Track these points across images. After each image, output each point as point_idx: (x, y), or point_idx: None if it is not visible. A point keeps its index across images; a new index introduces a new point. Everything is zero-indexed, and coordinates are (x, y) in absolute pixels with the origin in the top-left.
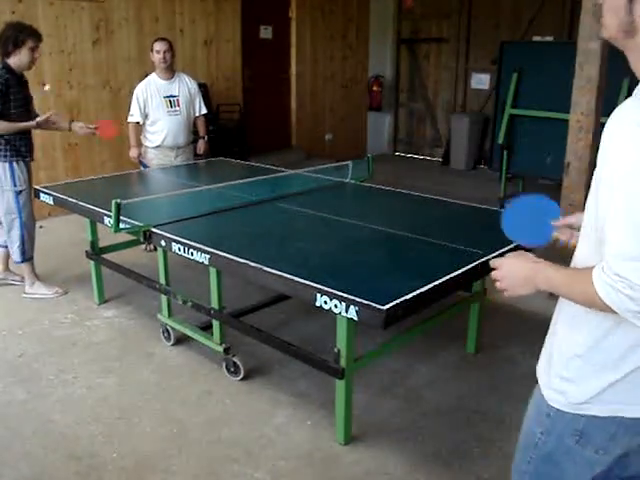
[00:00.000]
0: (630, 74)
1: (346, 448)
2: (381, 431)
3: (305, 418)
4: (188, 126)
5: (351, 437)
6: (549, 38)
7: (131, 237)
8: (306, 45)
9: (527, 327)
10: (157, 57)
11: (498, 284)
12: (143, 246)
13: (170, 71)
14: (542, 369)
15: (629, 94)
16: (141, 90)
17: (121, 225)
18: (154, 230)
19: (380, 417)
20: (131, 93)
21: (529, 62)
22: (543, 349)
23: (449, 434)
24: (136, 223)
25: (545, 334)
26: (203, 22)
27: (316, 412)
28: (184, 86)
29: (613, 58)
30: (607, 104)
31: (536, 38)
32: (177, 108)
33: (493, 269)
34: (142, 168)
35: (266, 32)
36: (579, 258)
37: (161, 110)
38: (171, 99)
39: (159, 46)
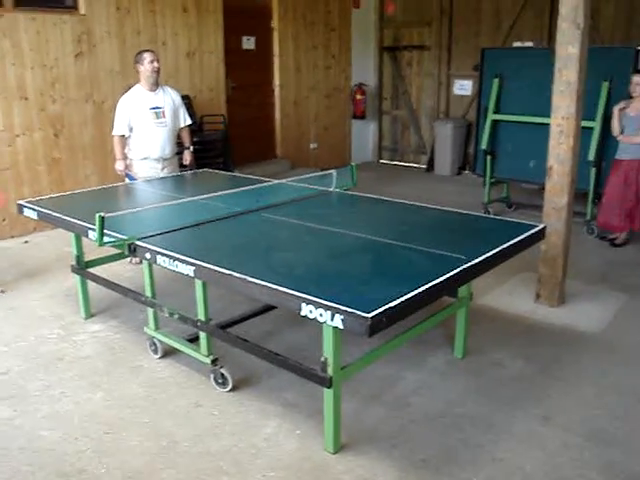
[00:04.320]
0: (610, 77)
1: (335, 457)
2: (370, 439)
3: (294, 428)
4: (174, 137)
5: (340, 446)
6: (529, 44)
7: (117, 250)
8: (289, 55)
9: (514, 331)
10: (149, 67)
11: None
12: (129, 259)
13: (157, 83)
14: None
15: (608, 97)
16: (126, 102)
17: (105, 239)
18: (139, 243)
19: (369, 425)
20: (115, 106)
21: (510, 68)
22: None
23: (438, 440)
24: (120, 236)
25: (531, 338)
26: (185, 34)
27: (305, 421)
28: (169, 97)
29: (592, 63)
30: (587, 108)
31: (516, 44)
32: (163, 119)
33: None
34: (128, 181)
35: (249, 43)
36: None
37: (147, 122)
38: (157, 111)
39: (152, 56)
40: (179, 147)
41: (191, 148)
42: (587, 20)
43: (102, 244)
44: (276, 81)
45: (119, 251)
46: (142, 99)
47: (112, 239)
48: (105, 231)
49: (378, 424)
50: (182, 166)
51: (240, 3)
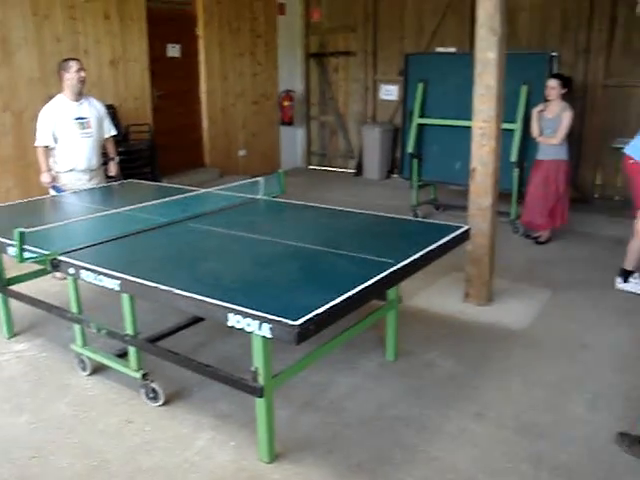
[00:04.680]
0: (528, 81)
1: (271, 466)
2: (305, 446)
3: (228, 439)
4: (99, 148)
5: (275, 455)
6: (452, 49)
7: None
8: (215, 62)
9: (443, 331)
10: (76, 76)
11: None
12: (52, 274)
13: (80, 93)
14: None
15: (528, 100)
16: (50, 112)
17: (26, 255)
18: (61, 258)
19: (303, 432)
20: (35, 116)
21: (433, 73)
22: None
23: (373, 443)
24: (42, 252)
25: (461, 337)
26: (108, 42)
27: (239, 432)
28: (93, 108)
29: (510, 67)
30: (508, 110)
31: (439, 49)
32: (89, 130)
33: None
34: (56, 193)
35: (174, 50)
36: None
37: (73, 133)
38: (82, 121)
39: (78, 65)
40: (104, 158)
41: (116, 159)
42: (504, 27)
43: (22, 260)
44: (202, 88)
45: (43, 267)
46: (66, 109)
47: (33, 255)
48: (26, 247)
49: (313, 430)
50: (108, 177)
51: (164, 11)
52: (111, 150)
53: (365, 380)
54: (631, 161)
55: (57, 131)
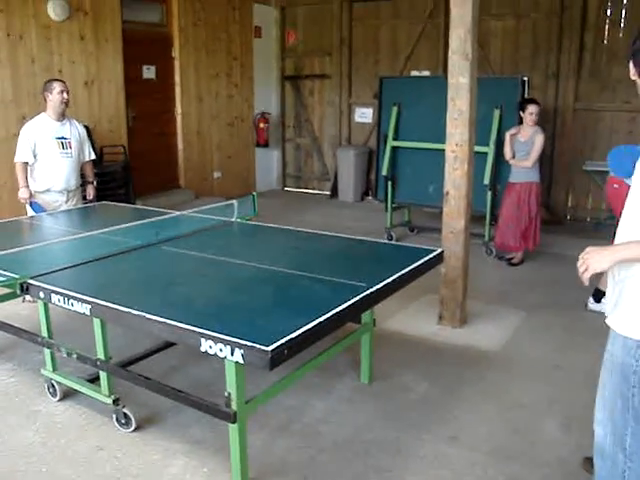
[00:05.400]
0: (500, 105)
1: None
2: (280, 471)
3: (201, 465)
4: (78, 170)
5: None
6: (426, 73)
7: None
8: (190, 84)
9: (418, 354)
10: (59, 98)
11: (583, 264)
12: (22, 298)
13: (63, 114)
14: (623, 314)
15: (500, 124)
16: (31, 129)
17: None
18: (31, 282)
19: (278, 457)
20: (9, 137)
21: (407, 96)
22: (617, 300)
23: (348, 467)
24: (11, 275)
25: (436, 359)
26: (83, 62)
27: (212, 458)
28: (75, 130)
29: (483, 91)
30: (481, 134)
31: (414, 73)
32: (69, 150)
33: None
34: (33, 212)
35: (149, 72)
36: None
37: (52, 151)
38: (63, 141)
39: (62, 86)
40: (82, 180)
41: (94, 183)
42: (475, 52)
43: None
44: (178, 110)
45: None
46: (47, 128)
47: (2, 278)
48: None
49: (287, 455)
50: (84, 200)
51: (140, 32)
52: (90, 173)
53: (340, 403)
54: (615, 185)
55: (37, 148)
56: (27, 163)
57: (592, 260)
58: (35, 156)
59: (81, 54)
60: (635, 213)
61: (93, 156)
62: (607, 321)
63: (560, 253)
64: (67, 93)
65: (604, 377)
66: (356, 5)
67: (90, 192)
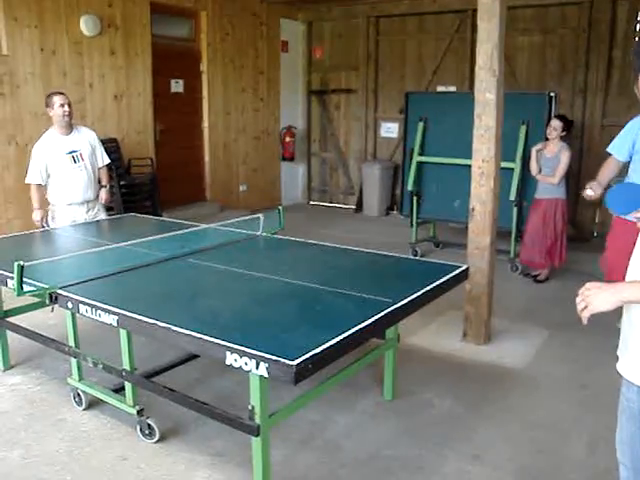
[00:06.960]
0: (527, 121)
1: None
2: None
3: (224, 478)
4: (95, 179)
5: None
6: (452, 88)
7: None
8: (218, 98)
9: (441, 370)
10: (60, 111)
11: (583, 301)
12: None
13: (70, 125)
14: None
15: (526, 139)
16: (41, 150)
17: (25, 288)
18: (60, 292)
19: (299, 471)
20: None
21: (433, 111)
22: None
23: None
24: (41, 285)
25: (460, 376)
26: (113, 76)
27: (235, 471)
28: (84, 138)
29: (510, 107)
30: (507, 149)
31: (440, 88)
32: (82, 162)
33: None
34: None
35: (177, 86)
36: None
37: (65, 167)
38: (74, 154)
39: (62, 99)
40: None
41: (108, 187)
42: (502, 68)
43: (21, 294)
44: (205, 123)
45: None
46: (57, 144)
47: (32, 288)
48: (25, 279)
49: (309, 470)
50: (109, 209)
51: (169, 47)
52: (104, 178)
53: (362, 419)
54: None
55: (50, 167)
56: (40, 184)
57: (593, 299)
58: (49, 175)
59: (111, 68)
60: None
61: (107, 160)
62: (618, 367)
63: (587, 270)
64: (69, 105)
65: (621, 420)
66: (382, 20)
67: (102, 196)
